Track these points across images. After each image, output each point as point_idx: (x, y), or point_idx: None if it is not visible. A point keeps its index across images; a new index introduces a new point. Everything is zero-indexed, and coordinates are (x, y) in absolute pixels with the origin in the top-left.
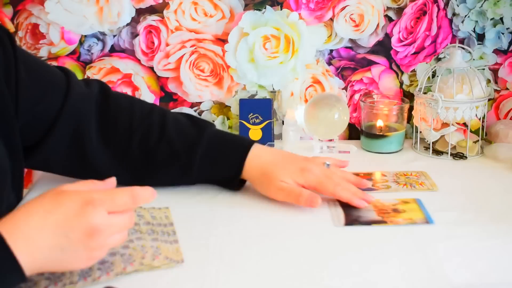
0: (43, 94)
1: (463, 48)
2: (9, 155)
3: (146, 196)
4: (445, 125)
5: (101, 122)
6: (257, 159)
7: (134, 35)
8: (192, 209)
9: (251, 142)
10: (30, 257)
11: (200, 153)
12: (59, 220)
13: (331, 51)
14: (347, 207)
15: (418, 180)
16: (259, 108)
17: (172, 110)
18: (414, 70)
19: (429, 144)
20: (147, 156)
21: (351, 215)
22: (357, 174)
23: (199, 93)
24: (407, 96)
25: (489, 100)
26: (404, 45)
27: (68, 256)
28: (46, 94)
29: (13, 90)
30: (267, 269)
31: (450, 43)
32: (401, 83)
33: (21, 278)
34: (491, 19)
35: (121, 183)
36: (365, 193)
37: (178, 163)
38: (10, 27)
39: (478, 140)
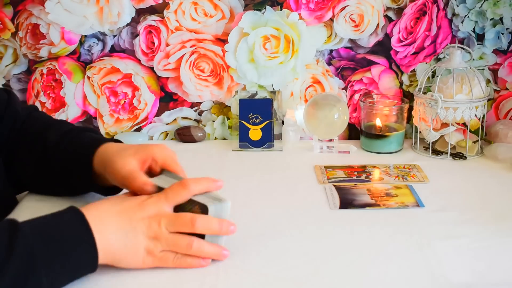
0: None
1: (463, 48)
2: None
3: (199, 185)
4: (444, 125)
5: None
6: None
7: (134, 35)
8: None
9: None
10: (101, 235)
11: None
12: (125, 207)
13: (331, 51)
14: (342, 191)
15: (410, 172)
16: (259, 108)
17: (171, 111)
18: (414, 70)
19: (429, 144)
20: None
21: (346, 198)
22: (351, 167)
23: (199, 93)
24: (407, 96)
25: (488, 100)
26: (404, 45)
27: (130, 239)
28: None
29: None
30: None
31: (450, 43)
32: (401, 83)
33: (94, 256)
34: (491, 19)
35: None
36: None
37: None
38: (10, 27)
39: (477, 140)
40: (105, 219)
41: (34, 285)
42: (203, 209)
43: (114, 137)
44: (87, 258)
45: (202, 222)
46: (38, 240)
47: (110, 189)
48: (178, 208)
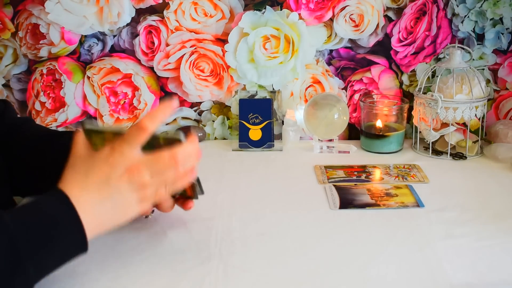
0: None
1: (463, 48)
2: None
3: (154, 119)
4: (444, 125)
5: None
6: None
7: (134, 35)
8: None
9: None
10: (85, 213)
11: None
12: (97, 175)
13: (331, 51)
14: (342, 191)
15: (410, 172)
16: (259, 108)
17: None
18: (413, 70)
19: (429, 144)
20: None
21: (346, 199)
22: (351, 167)
23: (199, 93)
24: (407, 96)
25: (488, 100)
26: (403, 45)
27: (119, 202)
28: None
29: None
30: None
31: (450, 43)
32: (401, 83)
33: (82, 236)
34: (491, 19)
35: None
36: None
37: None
38: (10, 27)
39: (477, 140)
40: (84, 194)
41: (22, 279)
42: (172, 142)
43: None
44: (75, 240)
45: (183, 154)
46: (20, 230)
47: None
48: (144, 149)
